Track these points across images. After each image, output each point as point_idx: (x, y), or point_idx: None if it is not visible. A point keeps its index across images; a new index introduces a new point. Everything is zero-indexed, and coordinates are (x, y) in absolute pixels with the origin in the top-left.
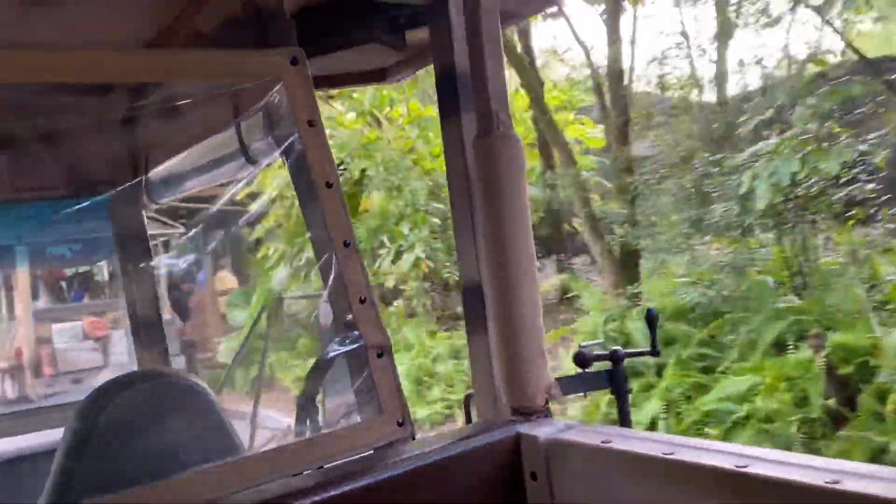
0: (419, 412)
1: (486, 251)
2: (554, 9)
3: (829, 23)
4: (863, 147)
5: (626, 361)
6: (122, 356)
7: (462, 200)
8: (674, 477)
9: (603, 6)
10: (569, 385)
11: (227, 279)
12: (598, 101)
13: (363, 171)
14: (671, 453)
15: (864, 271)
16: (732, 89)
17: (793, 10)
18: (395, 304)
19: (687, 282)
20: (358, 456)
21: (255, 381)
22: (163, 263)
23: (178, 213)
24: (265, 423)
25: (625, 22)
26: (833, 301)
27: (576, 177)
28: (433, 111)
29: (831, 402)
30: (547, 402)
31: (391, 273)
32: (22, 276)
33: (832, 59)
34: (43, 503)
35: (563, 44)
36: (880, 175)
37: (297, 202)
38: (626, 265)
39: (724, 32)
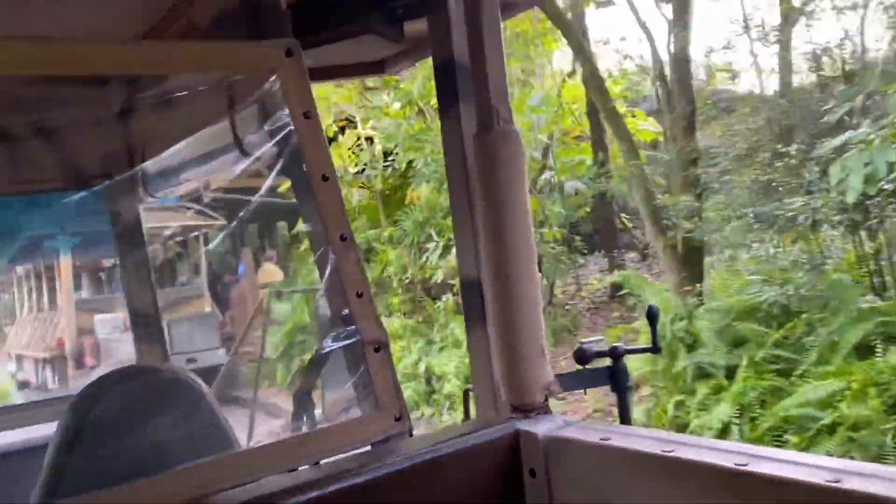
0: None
1: (486, 248)
2: None
3: None
4: None
5: (693, 360)
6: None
7: (461, 195)
8: (673, 475)
9: None
10: (569, 382)
11: (273, 272)
12: (662, 90)
13: (410, 162)
14: (671, 451)
15: None
16: (800, 79)
17: None
18: (442, 298)
19: (758, 279)
20: (355, 452)
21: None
22: (203, 255)
23: (217, 204)
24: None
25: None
26: None
27: (640, 169)
28: None
29: None
30: (546, 399)
31: (439, 267)
32: (65, 266)
33: None
34: (35, 498)
35: (607, 33)
36: None
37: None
38: (690, 261)
39: (788, 21)
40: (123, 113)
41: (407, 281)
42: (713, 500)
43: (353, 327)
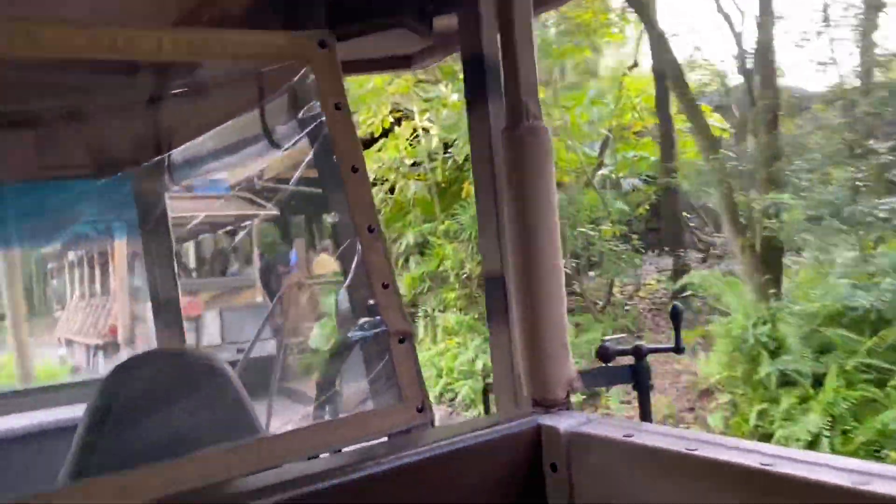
0: None
1: (513, 243)
2: None
3: None
4: None
5: (777, 367)
6: (215, 336)
7: (487, 189)
8: (696, 473)
9: None
10: (591, 379)
11: (328, 263)
12: (744, 83)
13: (468, 155)
14: (694, 449)
15: None
16: (883, 74)
17: None
18: None
19: (846, 282)
20: (376, 441)
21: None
22: (255, 245)
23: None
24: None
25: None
26: None
27: (721, 164)
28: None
29: None
30: (568, 395)
31: None
32: (119, 251)
33: None
34: (64, 476)
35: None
36: None
37: (397, 186)
38: (770, 262)
39: (870, 12)
40: (153, 100)
41: (464, 276)
42: (736, 500)
43: (379, 318)
